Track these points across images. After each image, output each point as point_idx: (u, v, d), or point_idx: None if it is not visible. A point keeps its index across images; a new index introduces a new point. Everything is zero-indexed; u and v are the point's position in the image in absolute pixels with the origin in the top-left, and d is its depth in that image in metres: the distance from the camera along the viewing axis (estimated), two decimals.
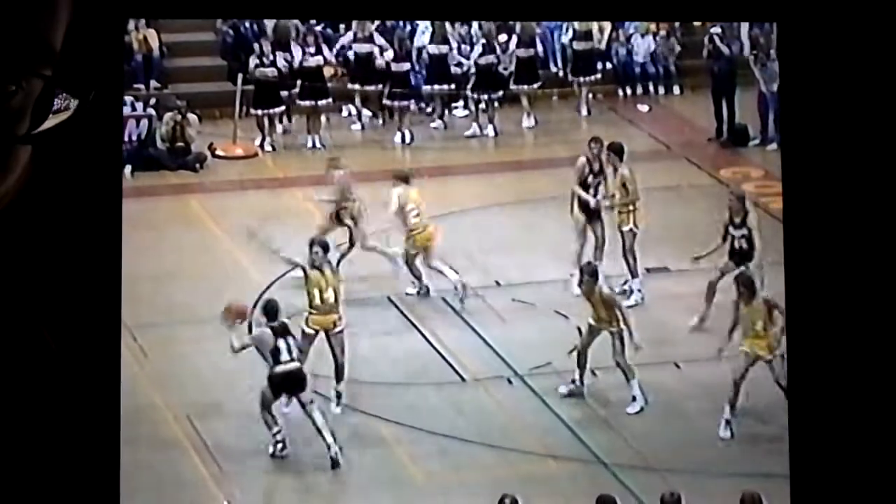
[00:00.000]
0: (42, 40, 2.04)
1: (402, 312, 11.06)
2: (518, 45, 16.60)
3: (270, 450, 8.96)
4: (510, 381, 9.98)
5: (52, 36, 2.06)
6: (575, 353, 9.72)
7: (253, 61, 14.98)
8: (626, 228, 11.50)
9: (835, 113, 6.98)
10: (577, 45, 16.56)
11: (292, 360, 9.26)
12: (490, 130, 15.40)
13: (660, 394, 9.59)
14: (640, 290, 11.11)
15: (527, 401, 9.80)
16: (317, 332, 9.73)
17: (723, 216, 10.82)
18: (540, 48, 16.61)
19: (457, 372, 10.24)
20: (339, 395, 9.60)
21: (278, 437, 8.97)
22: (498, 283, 11.47)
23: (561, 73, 16.43)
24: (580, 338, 9.81)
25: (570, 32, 16.53)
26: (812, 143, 7.00)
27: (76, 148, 6.36)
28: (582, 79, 16.24)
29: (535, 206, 13.18)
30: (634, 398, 9.56)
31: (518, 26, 15.92)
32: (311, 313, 9.80)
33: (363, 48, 15.88)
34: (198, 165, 14.07)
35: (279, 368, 9.21)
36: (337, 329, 9.76)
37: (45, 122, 2.12)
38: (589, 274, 10.08)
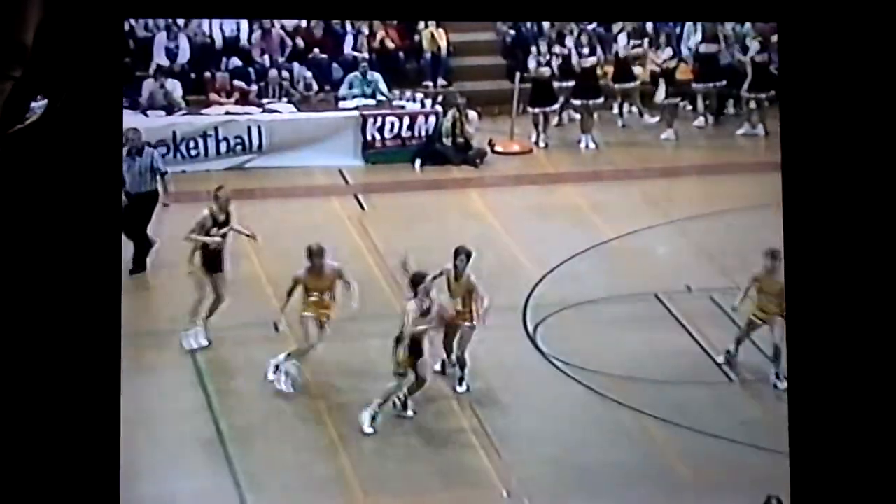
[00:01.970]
0: (12, 41, 1.96)
1: (668, 310, 10.92)
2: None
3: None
4: (776, 386, 9.75)
5: (22, 37, 1.97)
6: None
7: (531, 60, 15.07)
8: None
9: (836, 113, 6.69)
10: None
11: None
12: (761, 129, 15.03)
13: None
14: None
15: None
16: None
17: None
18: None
19: (724, 372, 10.06)
20: (461, 380, 9.64)
21: None
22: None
23: None
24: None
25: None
26: (813, 143, 6.71)
27: (77, 147, 6.40)
28: None
29: None
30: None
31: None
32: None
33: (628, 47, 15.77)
34: (478, 161, 14.26)
35: None
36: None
37: (18, 121, 2.04)
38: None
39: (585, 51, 15.31)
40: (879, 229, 6.77)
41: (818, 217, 6.80)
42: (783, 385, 9.53)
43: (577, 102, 14.96)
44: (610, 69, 15.51)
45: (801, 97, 6.81)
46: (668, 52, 15.51)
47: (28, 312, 6.45)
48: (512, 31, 16.09)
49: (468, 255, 9.95)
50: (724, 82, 15.25)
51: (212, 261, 10.24)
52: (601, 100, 15.03)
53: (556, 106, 15.02)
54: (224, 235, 10.29)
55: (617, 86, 15.41)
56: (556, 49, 15.14)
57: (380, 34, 15.70)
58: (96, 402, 6.48)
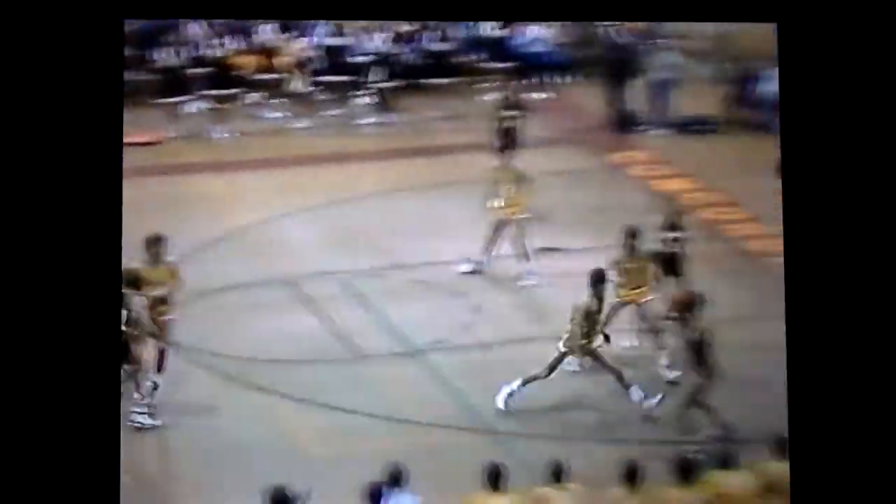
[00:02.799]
0: None
1: (297, 293, 10.83)
2: (430, 39, 16.38)
3: None
4: (407, 357, 9.77)
5: None
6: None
7: (159, 51, 14.56)
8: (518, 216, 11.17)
9: (834, 113, 6.78)
10: (487, 38, 16.41)
11: None
12: (391, 118, 15.16)
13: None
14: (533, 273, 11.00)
15: (423, 375, 9.61)
16: None
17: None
18: (452, 41, 16.38)
19: (355, 349, 9.95)
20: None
21: None
22: (396, 265, 11.22)
23: (469, 64, 16.22)
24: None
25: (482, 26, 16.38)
26: (812, 143, 6.77)
27: (77, 146, 6.31)
28: (490, 66, 16.06)
29: (434, 191, 12.98)
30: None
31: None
32: None
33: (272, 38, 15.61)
34: None
35: None
36: None
37: None
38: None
39: (218, 42, 15.02)
40: (880, 229, 6.70)
41: (817, 217, 6.68)
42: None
43: (209, 93, 14.65)
44: (246, 59, 15.29)
45: (801, 98, 6.71)
46: (303, 42, 15.45)
47: (27, 314, 6.17)
48: (140, 21, 15.54)
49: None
50: (352, 75, 15.34)
51: None
52: (235, 90, 14.79)
53: (188, 96, 14.64)
54: None
55: (254, 76, 15.21)
56: (188, 39, 14.79)
57: None
58: (97, 405, 6.22)
